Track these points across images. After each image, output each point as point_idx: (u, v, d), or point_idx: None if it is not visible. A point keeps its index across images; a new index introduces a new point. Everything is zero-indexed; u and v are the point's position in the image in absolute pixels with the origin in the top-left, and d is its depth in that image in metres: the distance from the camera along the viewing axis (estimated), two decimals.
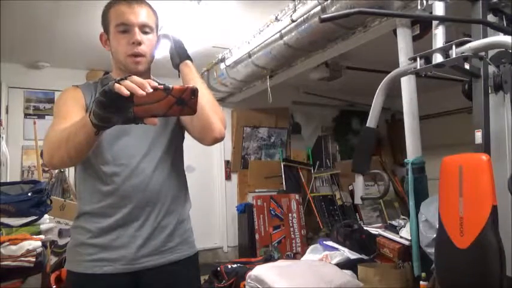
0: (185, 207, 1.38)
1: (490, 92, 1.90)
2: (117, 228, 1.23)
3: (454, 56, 1.71)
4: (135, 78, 0.88)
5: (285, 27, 3.19)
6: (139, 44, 1.31)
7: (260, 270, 2.74)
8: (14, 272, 2.50)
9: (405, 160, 2.61)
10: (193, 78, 1.38)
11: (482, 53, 1.78)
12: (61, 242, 3.79)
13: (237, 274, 3.24)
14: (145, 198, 1.25)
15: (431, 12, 1.87)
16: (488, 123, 1.86)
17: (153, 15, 1.39)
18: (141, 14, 1.32)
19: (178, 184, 1.36)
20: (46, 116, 4.68)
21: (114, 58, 1.39)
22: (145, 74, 1.37)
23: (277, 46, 3.42)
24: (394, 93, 2.45)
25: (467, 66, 1.74)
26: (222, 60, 4.23)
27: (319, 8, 2.82)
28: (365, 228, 3.37)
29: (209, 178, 5.46)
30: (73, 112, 1.21)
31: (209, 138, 1.30)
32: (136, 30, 1.31)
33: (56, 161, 1.13)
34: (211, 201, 5.44)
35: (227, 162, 5.53)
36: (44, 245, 2.66)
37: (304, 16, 2.97)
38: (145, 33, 1.33)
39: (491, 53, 1.90)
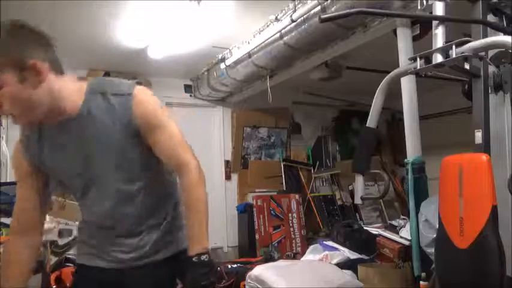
0: (164, 214, 1.38)
1: (490, 92, 1.90)
2: (103, 237, 1.35)
3: (454, 56, 1.71)
4: None
5: (285, 27, 3.19)
6: None
7: (260, 270, 2.74)
8: None
9: (405, 160, 2.61)
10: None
11: (482, 53, 1.78)
12: (61, 242, 3.79)
13: (237, 274, 3.25)
14: (112, 224, 1.32)
15: (431, 12, 1.87)
16: (488, 123, 1.86)
17: None
18: None
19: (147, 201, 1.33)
20: None
21: None
22: (58, 109, 1.19)
23: (277, 46, 3.42)
24: (394, 93, 2.45)
25: (467, 66, 1.74)
26: (222, 60, 4.23)
27: (319, 8, 2.82)
28: (365, 228, 3.37)
29: (209, 178, 5.40)
30: (20, 190, 1.33)
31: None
32: None
33: None
34: (211, 201, 5.37)
35: (227, 162, 5.53)
36: (44, 245, 2.66)
37: (304, 16, 2.97)
38: None
39: (491, 53, 1.90)
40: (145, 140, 1.24)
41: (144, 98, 1.23)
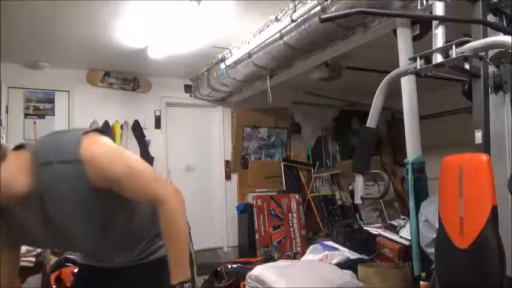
0: (148, 238, 1.42)
1: (490, 92, 1.90)
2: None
3: (454, 56, 1.71)
4: None
5: (285, 27, 3.19)
6: None
7: (260, 270, 2.74)
8: None
9: (405, 160, 2.61)
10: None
11: (482, 53, 1.79)
12: None
13: (237, 274, 3.25)
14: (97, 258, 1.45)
15: (431, 12, 1.88)
16: (488, 123, 1.86)
17: None
18: None
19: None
20: (46, 116, 4.68)
21: None
22: (10, 190, 1.11)
23: (277, 46, 3.42)
24: (394, 93, 2.45)
25: (467, 66, 1.74)
26: (222, 60, 4.23)
27: (319, 8, 2.82)
28: (365, 228, 3.37)
29: (209, 178, 5.46)
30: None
31: None
32: None
33: None
34: (211, 201, 5.44)
35: (227, 162, 5.53)
36: None
37: (304, 16, 2.97)
38: None
39: (491, 53, 1.90)
40: (113, 190, 1.17)
41: (94, 158, 1.12)
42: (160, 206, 1.18)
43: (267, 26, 3.45)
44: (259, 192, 5.40)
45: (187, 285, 1.17)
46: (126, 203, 1.24)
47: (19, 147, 1.17)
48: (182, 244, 1.21)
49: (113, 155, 1.16)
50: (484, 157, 1.67)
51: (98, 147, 1.15)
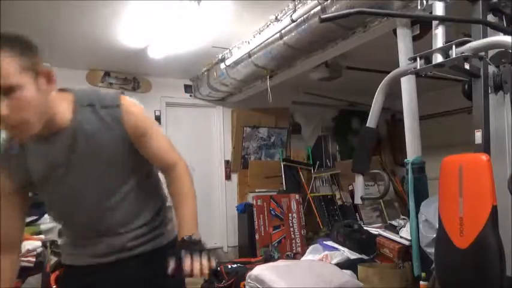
0: (149, 216, 1.38)
1: (490, 92, 1.90)
2: (84, 239, 1.36)
3: (454, 56, 1.71)
4: None
5: (285, 27, 3.19)
6: (5, 116, 1.01)
7: (260, 270, 2.74)
8: None
9: (405, 160, 2.61)
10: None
11: (482, 53, 1.78)
12: (61, 242, 3.79)
13: (237, 274, 3.25)
14: (96, 228, 1.33)
15: (431, 12, 1.88)
16: (488, 123, 1.86)
17: (11, 63, 1.02)
18: None
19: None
20: None
21: None
22: (50, 122, 1.15)
23: (277, 46, 3.42)
24: (394, 93, 2.45)
25: (467, 66, 1.74)
26: (222, 60, 4.23)
27: (319, 8, 2.82)
28: (365, 228, 3.38)
29: (209, 178, 5.46)
30: (2, 208, 1.23)
31: None
32: None
33: None
34: (211, 201, 5.44)
35: (227, 162, 5.53)
36: (44, 245, 2.66)
37: (304, 16, 2.97)
38: (9, 94, 1.01)
39: (491, 53, 1.90)
40: (134, 145, 1.25)
41: (132, 108, 1.24)
42: (173, 169, 1.29)
43: (267, 26, 3.45)
44: (259, 192, 5.41)
45: (195, 236, 1.16)
46: (142, 166, 1.31)
47: (61, 89, 1.24)
48: (192, 202, 1.27)
49: (144, 113, 1.29)
50: (484, 157, 1.67)
51: (135, 103, 1.27)
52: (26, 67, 1.04)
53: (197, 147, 5.38)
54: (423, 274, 2.33)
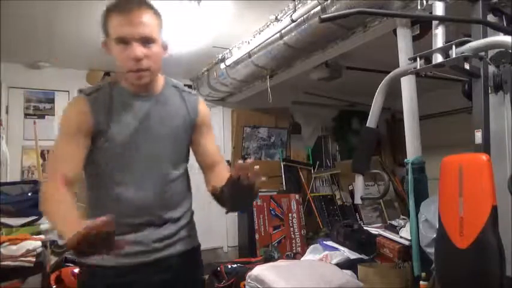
0: (186, 208, 1.44)
1: (490, 92, 1.90)
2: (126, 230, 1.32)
3: (454, 56, 1.71)
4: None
5: (285, 27, 3.19)
6: (138, 60, 1.22)
7: (260, 270, 2.74)
8: (14, 272, 2.51)
9: (405, 160, 2.61)
10: None
11: (482, 53, 1.78)
12: (61, 242, 3.79)
13: (237, 274, 3.25)
14: (146, 208, 1.33)
15: (431, 12, 1.88)
16: (488, 123, 1.86)
17: (155, 21, 1.26)
18: (140, 25, 1.21)
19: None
20: (46, 116, 4.68)
21: (117, 67, 1.30)
22: (152, 83, 1.34)
23: (277, 46, 3.41)
24: (394, 93, 2.45)
25: (467, 66, 1.74)
26: (222, 60, 4.23)
27: (319, 8, 2.82)
28: (365, 228, 3.37)
29: None
30: (67, 145, 1.23)
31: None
32: (135, 44, 1.21)
33: None
34: (211, 201, 5.41)
35: (227, 162, 5.52)
36: (44, 245, 2.66)
37: (304, 16, 2.97)
38: (147, 44, 1.23)
39: (491, 53, 1.90)
40: (194, 135, 1.41)
41: (202, 101, 1.46)
42: (219, 164, 1.44)
43: (267, 26, 3.45)
44: (259, 192, 5.40)
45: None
46: (187, 159, 1.44)
47: None
48: None
49: None
50: (484, 157, 1.67)
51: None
52: (160, 28, 1.28)
53: None
54: (423, 274, 2.33)
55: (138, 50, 1.21)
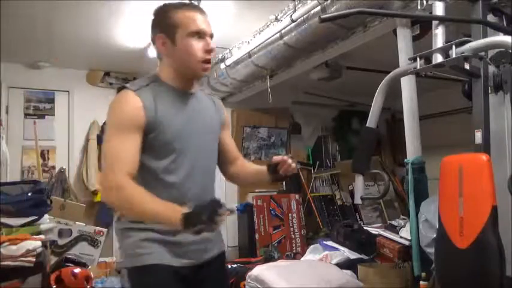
0: None
1: (490, 92, 1.90)
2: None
3: (454, 56, 1.71)
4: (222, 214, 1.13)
5: (285, 27, 3.19)
6: (211, 51, 1.40)
7: (260, 270, 2.74)
8: (14, 272, 2.50)
9: (405, 160, 2.61)
10: None
11: (482, 53, 1.79)
12: (61, 242, 3.79)
13: (237, 274, 3.25)
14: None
15: (431, 12, 1.88)
16: (488, 123, 1.86)
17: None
18: (209, 25, 1.42)
19: None
20: (46, 116, 4.69)
21: (176, 61, 1.39)
22: (193, 82, 1.48)
23: (277, 46, 3.41)
24: (394, 93, 2.45)
25: (467, 66, 1.74)
26: (222, 60, 4.23)
27: (319, 8, 2.82)
28: (365, 228, 3.37)
29: None
30: (128, 141, 1.27)
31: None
32: (208, 39, 1.40)
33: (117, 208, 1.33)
34: None
35: None
36: (44, 245, 2.66)
37: (304, 16, 2.97)
38: (209, 38, 1.41)
39: (491, 53, 1.90)
40: (220, 133, 1.55)
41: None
42: (239, 157, 1.67)
43: (267, 26, 3.45)
44: (259, 192, 5.40)
45: None
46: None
47: None
48: None
49: None
50: (484, 157, 1.67)
51: None
52: None
53: None
54: (423, 274, 2.33)
55: (212, 43, 1.40)
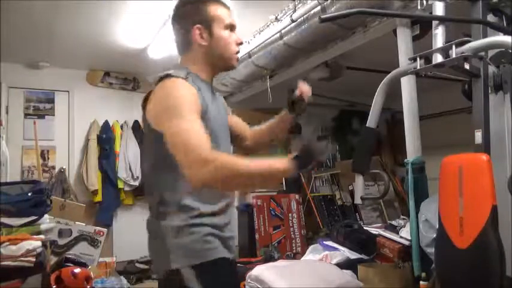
0: None
1: (490, 92, 1.90)
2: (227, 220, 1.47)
3: (454, 56, 1.71)
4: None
5: (285, 27, 3.19)
6: (241, 44, 1.52)
7: (260, 270, 2.74)
8: (14, 272, 2.51)
9: (405, 160, 2.61)
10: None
11: (482, 53, 1.78)
12: (61, 242, 3.79)
13: (237, 274, 3.24)
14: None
15: (431, 12, 1.88)
16: (488, 123, 1.86)
17: None
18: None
19: None
20: (46, 116, 4.69)
21: (212, 53, 1.43)
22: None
23: (277, 46, 3.41)
24: (394, 93, 2.45)
25: (467, 66, 1.74)
26: None
27: (319, 8, 2.82)
28: (365, 228, 3.37)
29: None
30: (197, 123, 1.27)
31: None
32: (237, 34, 1.49)
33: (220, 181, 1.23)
34: None
35: None
36: (44, 245, 2.66)
37: (304, 16, 2.97)
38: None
39: (491, 53, 1.90)
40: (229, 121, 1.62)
41: None
42: (248, 128, 1.90)
43: (267, 26, 3.45)
44: (259, 192, 5.40)
45: None
46: None
47: None
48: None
49: None
50: (484, 157, 1.67)
51: None
52: None
53: None
54: (423, 274, 2.33)
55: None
